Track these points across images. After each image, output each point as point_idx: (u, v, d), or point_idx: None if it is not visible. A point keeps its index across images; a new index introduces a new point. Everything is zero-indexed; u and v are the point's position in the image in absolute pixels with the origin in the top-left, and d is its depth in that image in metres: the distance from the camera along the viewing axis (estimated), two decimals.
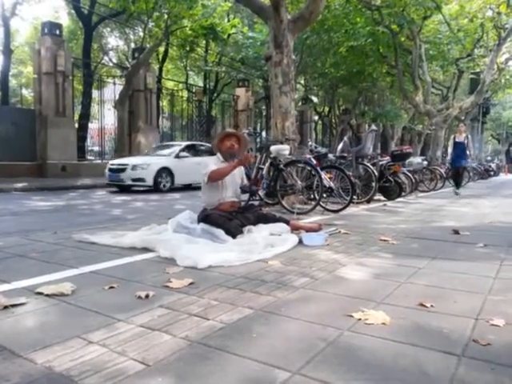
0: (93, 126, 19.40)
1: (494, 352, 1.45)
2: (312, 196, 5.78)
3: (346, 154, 6.93)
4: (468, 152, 9.64)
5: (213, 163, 3.74)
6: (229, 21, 16.83)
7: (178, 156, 11.24)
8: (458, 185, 9.63)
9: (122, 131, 13.81)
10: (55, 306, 1.88)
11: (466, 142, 9.46)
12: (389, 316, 1.74)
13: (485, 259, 2.86)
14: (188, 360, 1.38)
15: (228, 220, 3.44)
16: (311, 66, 15.86)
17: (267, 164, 5.40)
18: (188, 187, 11.28)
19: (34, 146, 14.14)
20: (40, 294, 2.01)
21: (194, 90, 21.76)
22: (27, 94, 27.89)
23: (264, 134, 21.93)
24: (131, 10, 12.23)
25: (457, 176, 9.81)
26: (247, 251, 2.86)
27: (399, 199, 7.65)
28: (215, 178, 3.61)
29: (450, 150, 9.85)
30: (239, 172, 3.90)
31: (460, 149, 9.48)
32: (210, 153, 9.69)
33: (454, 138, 9.88)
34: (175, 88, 22.99)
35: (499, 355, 1.43)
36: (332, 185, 5.34)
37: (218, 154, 3.83)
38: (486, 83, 15.17)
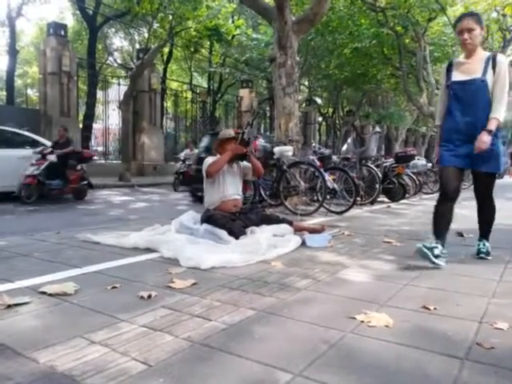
0: (97, 126, 19.49)
1: (498, 355, 1.44)
2: (315, 197, 5.77)
3: (349, 156, 6.92)
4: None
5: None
6: (233, 22, 16.84)
7: None
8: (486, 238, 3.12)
9: (126, 132, 13.83)
10: (58, 306, 1.89)
11: None
12: (392, 318, 1.73)
13: (489, 262, 2.85)
14: (190, 361, 1.38)
15: (231, 221, 3.44)
16: (315, 68, 15.84)
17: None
18: None
19: None
20: (43, 293, 2.02)
21: (198, 91, 21.79)
22: (32, 94, 28.03)
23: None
24: (136, 10, 12.26)
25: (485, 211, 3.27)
26: (250, 252, 2.86)
27: (403, 201, 7.62)
28: (213, 170, 3.52)
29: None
30: (239, 169, 3.82)
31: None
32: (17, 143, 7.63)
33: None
34: (179, 89, 23.05)
35: (503, 359, 1.42)
36: (335, 186, 5.33)
37: (218, 156, 3.73)
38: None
